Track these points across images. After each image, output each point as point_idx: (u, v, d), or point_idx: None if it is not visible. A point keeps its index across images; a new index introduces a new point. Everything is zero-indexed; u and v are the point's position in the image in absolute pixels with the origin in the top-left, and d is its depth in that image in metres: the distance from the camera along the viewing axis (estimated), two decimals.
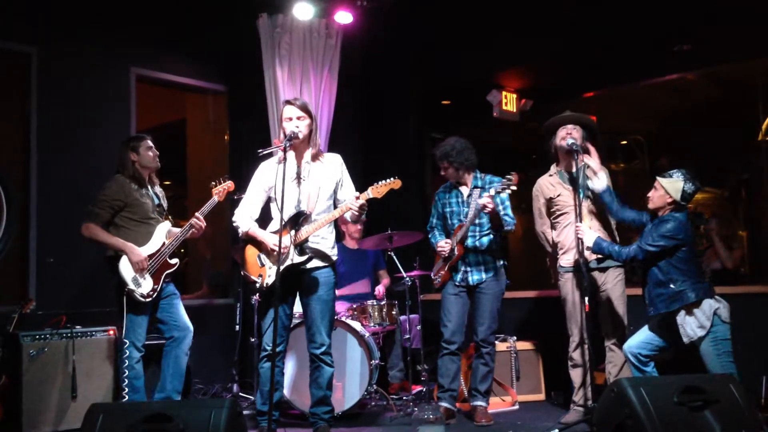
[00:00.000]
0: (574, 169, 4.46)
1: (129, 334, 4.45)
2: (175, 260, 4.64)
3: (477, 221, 4.71)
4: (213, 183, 4.75)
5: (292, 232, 4.03)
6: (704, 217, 6.86)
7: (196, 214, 4.61)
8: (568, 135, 4.55)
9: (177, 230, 4.66)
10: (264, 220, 4.31)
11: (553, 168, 4.77)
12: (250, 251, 4.21)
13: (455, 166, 4.79)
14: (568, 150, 4.49)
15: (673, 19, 5.45)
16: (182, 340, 4.62)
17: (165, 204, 4.78)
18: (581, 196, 4.49)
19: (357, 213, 4.03)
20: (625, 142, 8.28)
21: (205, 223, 4.62)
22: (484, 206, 4.46)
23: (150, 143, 4.65)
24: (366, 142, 7.12)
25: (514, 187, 4.46)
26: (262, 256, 4.16)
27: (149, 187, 4.67)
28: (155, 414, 3.05)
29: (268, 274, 4.09)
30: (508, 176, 4.46)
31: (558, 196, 4.66)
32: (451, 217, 4.88)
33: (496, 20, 6.23)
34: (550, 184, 4.72)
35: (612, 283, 4.53)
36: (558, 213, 4.69)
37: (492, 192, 4.49)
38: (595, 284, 4.54)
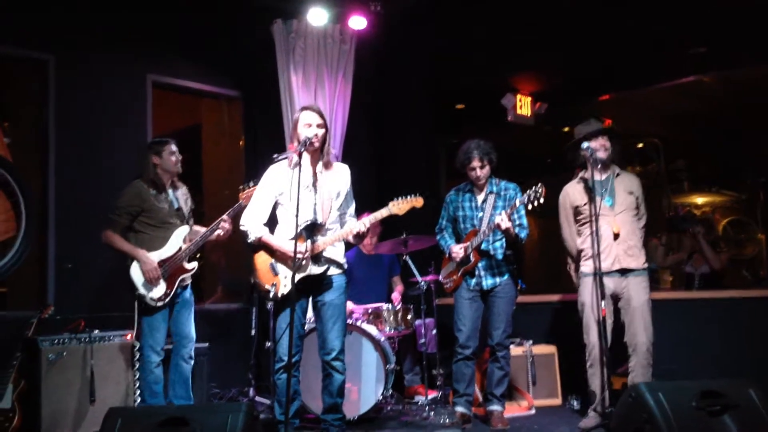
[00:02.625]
0: (597, 177, 4.46)
1: (146, 338, 4.52)
2: (192, 265, 4.68)
3: None
4: (241, 187, 4.78)
5: (308, 242, 4.01)
6: (694, 220, 6.87)
7: (224, 216, 4.66)
8: (602, 147, 4.56)
9: (201, 230, 4.72)
10: (270, 227, 4.28)
11: (581, 175, 4.75)
12: (262, 259, 4.17)
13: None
14: (604, 161, 4.54)
15: (688, 22, 5.43)
16: (180, 348, 4.67)
17: (188, 208, 4.81)
18: (609, 203, 4.51)
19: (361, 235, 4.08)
20: (641, 145, 8.26)
21: (231, 226, 4.66)
22: (498, 226, 4.46)
23: (174, 148, 4.69)
24: (380, 146, 7.13)
25: (542, 200, 4.39)
26: (276, 265, 4.13)
27: (170, 191, 4.71)
28: (172, 418, 3.06)
29: (283, 283, 4.07)
30: (536, 188, 4.39)
31: (585, 204, 4.65)
32: (464, 221, 4.87)
33: (509, 24, 6.22)
34: (577, 192, 4.71)
35: (634, 289, 4.49)
36: (584, 221, 4.68)
37: (517, 203, 4.48)
38: (617, 290, 4.51)
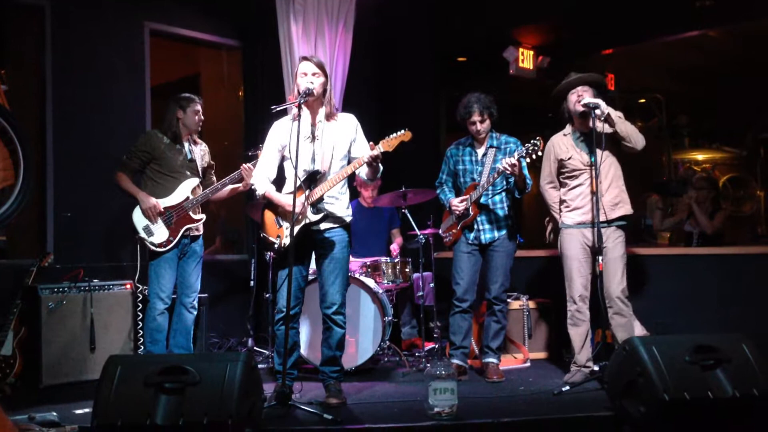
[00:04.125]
0: (584, 130, 4.43)
1: (153, 284, 4.62)
2: (199, 216, 4.76)
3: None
4: (261, 145, 4.82)
5: (308, 191, 4.01)
6: (683, 187, 6.88)
7: (246, 165, 4.72)
8: (580, 97, 4.49)
9: (217, 183, 4.83)
10: (280, 180, 4.29)
11: (568, 128, 4.70)
12: (269, 213, 4.20)
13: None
14: (584, 112, 4.44)
15: None
16: (183, 298, 4.76)
17: (203, 163, 4.89)
18: (592, 158, 4.44)
19: (371, 167, 4.01)
20: (643, 100, 8.19)
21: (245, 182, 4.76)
22: (511, 167, 4.41)
23: (198, 107, 4.82)
24: (380, 99, 7.06)
25: (540, 153, 4.40)
26: (280, 218, 4.15)
27: (186, 144, 4.80)
28: (172, 366, 3.10)
29: (286, 234, 4.07)
30: (534, 141, 4.38)
31: (569, 158, 4.61)
32: (464, 175, 4.85)
33: None
34: (563, 145, 4.65)
35: (611, 243, 4.47)
36: (568, 174, 4.64)
37: (516, 156, 4.45)
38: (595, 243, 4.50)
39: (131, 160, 4.71)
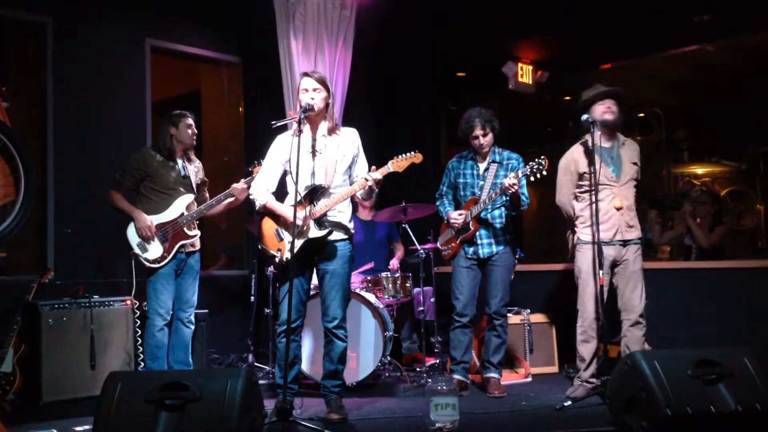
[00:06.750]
0: (605, 144, 4.49)
1: (151, 301, 4.62)
2: (194, 232, 4.75)
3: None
4: (255, 162, 4.85)
5: (310, 206, 4.02)
6: (679, 201, 6.90)
7: (236, 185, 4.74)
8: (608, 109, 4.52)
9: (212, 200, 4.83)
10: (281, 194, 4.29)
11: (588, 140, 4.62)
12: (268, 225, 4.19)
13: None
14: (610, 124, 4.51)
15: None
16: (180, 313, 4.76)
17: (197, 179, 4.91)
18: (615, 174, 4.50)
19: (372, 188, 4.02)
20: (642, 114, 8.21)
21: (242, 195, 4.77)
22: (511, 186, 4.43)
23: (191, 121, 4.82)
24: (380, 114, 7.08)
25: (545, 172, 4.41)
26: (281, 230, 4.14)
27: (180, 161, 4.80)
28: (172, 383, 3.09)
29: (287, 248, 4.08)
30: (539, 160, 4.39)
31: (592, 172, 4.60)
32: (464, 188, 4.86)
33: None
34: (586, 158, 4.60)
35: (632, 257, 4.51)
36: (587, 188, 4.61)
37: (519, 174, 4.46)
38: (615, 258, 4.52)
39: (124, 178, 4.72)
